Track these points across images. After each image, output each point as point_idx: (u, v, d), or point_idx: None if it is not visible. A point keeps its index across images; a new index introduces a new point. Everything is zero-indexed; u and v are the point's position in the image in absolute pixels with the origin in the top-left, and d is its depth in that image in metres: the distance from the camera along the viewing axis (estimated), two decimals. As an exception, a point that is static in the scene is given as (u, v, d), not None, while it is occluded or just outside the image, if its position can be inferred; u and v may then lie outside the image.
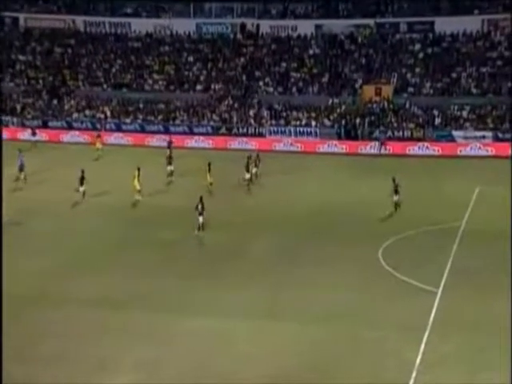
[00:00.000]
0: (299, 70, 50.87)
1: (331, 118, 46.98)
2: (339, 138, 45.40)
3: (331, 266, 22.88)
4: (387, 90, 47.84)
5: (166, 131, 47.96)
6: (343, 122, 46.22)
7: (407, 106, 46.47)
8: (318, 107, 47.76)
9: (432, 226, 27.13)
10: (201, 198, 26.12)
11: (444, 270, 22.23)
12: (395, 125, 45.38)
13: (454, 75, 47.59)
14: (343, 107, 47.38)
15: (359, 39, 51.28)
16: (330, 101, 48.18)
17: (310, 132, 46.22)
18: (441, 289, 20.73)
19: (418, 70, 48.54)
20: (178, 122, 48.98)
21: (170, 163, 34.84)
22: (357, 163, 40.10)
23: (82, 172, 30.41)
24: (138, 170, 30.99)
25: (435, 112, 45.34)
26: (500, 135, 42.43)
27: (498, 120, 43.60)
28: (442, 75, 47.74)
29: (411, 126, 44.88)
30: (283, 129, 46.76)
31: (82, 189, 30.34)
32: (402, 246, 25.00)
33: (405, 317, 18.89)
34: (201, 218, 25.83)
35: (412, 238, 25.86)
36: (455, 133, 43.46)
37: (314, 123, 46.80)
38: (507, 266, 22.26)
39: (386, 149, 42.65)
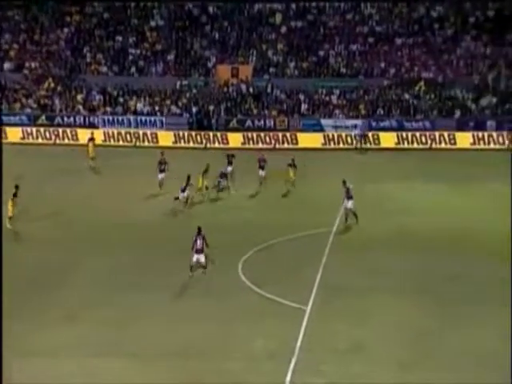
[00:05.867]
0: (139, 46, 50.50)
1: (179, 104, 47.21)
2: (190, 128, 45.82)
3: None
4: (245, 71, 48.93)
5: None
6: (194, 109, 46.62)
7: (269, 89, 47.97)
8: (163, 91, 47.76)
9: (298, 233, 28.15)
10: (199, 230, 23.72)
11: (313, 285, 23.24)
12: (255, 112, 46.67)
13: (321, 53, 49.92)
14: (194, 91, 47.78)
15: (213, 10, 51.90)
16: (178, 83, 48.37)
17: (155, 122, 46.12)
18: (309, 306, 21.69)
19: (280, 46, 50.27)
20: (-20, 109, 46.59)
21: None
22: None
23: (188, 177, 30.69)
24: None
25: (301, 97, 47.27)
26: (373, 124, 45.24)
27: (370, 106, 46.44)
28: (307, 53, 49.88)
29: (274, 113, 46.41)
30: (120, 118, 46.20)
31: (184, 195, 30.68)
32: (265, 258, 25.70)
33: (270, 342, 19.45)
34: (201, 257, 23.46)
35: (276, 248, 26.67)
36: (324, 121, 45.64)
37: (158, 111, 46.74)
38: (383, 279, 23.78)
39: (366, 142, 43.27)
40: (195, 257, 23.34)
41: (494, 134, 42.93)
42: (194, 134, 44.96)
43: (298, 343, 19.37)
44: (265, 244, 26.91)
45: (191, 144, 44.73)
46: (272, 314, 21.24)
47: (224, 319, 21.03)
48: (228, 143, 44.63)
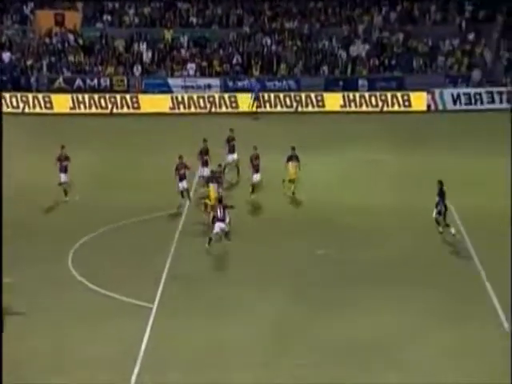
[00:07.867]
0: None
1: (-13, 58, 45.81)
2: (3, 88, 44.42)
3: None
4: (73, 19, 48.11)
5: None
6: (7, 64, 45.46)
7: (103, 41, 47.36)
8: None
9: (143, 216, 28.28)
10: (220, 200, 26.45)
11: (161, 277, 23.50)
12: (87, 68, 46.00)
13: (165, -3, 49.83)
14: (6, 42, 46.46)
15: None
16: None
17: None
18: (156, 303, 21.91)
19: (116, -11, 49.77)
20: None
21: None
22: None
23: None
24: None
25: (143, 50, 46.98)
26: (230, 84, 45.79)
27: (226, 61, 46.88)
28: (149, -3, 49.65)
29: (110, 70, 45.91)
30: None
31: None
32: (101, 247, 25.75)
33: (109, 347, 19.56)
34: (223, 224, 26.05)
35: (115, 234, 26.78)
36: (172, 81, 45.67)
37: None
38: (241, 268, 24.41)
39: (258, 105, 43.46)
40: (217, 225, 25.88)
41: (367, 95, 44.70)
42: (8, 96, 43.49)
43: (142, 347, 19.56)
44: (103, 228, 26.90)
45: (4, 109, 43.32)
46: (111, 314, 21.37)
47: (54, 320, 20.84)
48: (52, 108, 43.71)
